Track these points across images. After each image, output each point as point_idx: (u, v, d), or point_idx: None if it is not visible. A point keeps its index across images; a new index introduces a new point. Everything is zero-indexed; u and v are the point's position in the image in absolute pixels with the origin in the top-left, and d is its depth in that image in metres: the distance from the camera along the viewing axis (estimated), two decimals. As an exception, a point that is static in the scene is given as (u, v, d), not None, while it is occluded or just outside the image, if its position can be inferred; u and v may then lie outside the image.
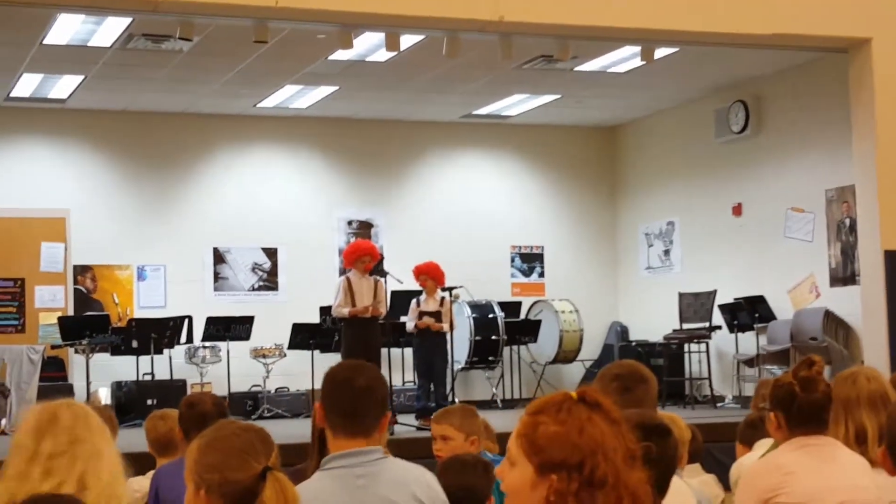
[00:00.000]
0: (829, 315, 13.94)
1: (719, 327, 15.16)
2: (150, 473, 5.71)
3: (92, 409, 3.62)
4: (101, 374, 14.55)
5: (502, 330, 15.87)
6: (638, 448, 2.52)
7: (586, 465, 2.45)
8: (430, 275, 12.93)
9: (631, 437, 2.53)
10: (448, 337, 13.00)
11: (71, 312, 15.26)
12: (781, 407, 4.33)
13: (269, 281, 16.45)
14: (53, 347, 14.60)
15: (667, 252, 17.04)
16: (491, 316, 15.95)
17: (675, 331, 15.51)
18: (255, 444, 3.08)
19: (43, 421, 3.55)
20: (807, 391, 4.28)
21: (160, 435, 6.12)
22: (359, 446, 3.81)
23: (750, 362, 14.78)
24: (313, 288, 15.66)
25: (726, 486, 6.30)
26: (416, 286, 13.14)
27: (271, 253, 16.48)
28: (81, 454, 3.52)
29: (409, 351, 13.35)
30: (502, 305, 16.23)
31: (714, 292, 15.24)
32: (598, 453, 2.45)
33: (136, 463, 5.94)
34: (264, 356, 15.11)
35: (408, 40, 12.16)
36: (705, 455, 10.50)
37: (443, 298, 13.00)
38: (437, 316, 12.80)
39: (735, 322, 14.99)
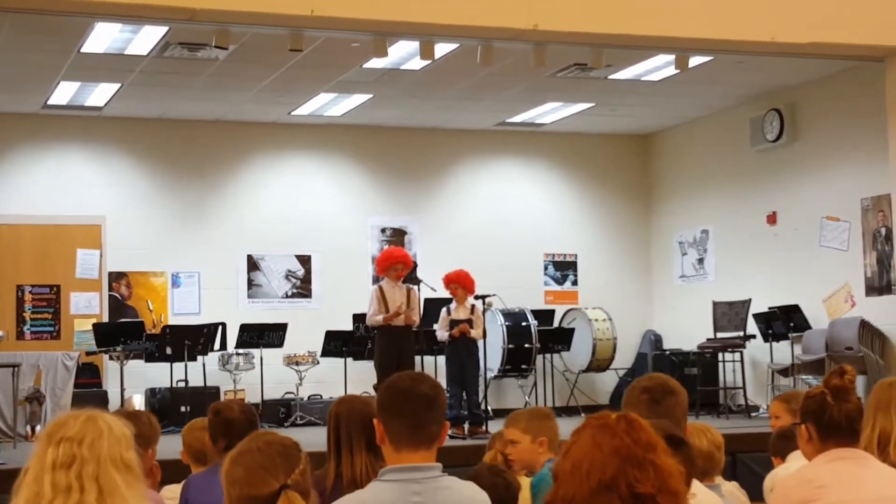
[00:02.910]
0: (864, 325, 13.85)
1: (754, 336, 15.08)
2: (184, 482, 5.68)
3: (120, 418, 3.46)
4: (136, 380, 14.62)
5: (535, 338, 15.83)
6: (643, 479, 2.69)
7: (557, 481, 2.76)
8: (460, 283, 12.89)
9: (633, 470, 2.69)
10: (480, 344, 12.98)
11: (106, 319, 15.33)
12: (813, 418, 4.27)
13: (303, 288, 16.49)
14: (88, 354, 14.67)
15: (701, 260, 16.98)
16: (524, 324, 15.92)
17: (709, 340, 15.45)
18: (276, 461, 3.09)
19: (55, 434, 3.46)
20: (839, 401, 4.24)
21: (197, 448, 5.94)
22: (421, 460, 3.71)
23: (784, 372, 14.70)
24: (347, 295, 15.70)
25: (760, 495, 6.27)
26: (449, 294, 13.13)
27: (305, 260, 16.52)
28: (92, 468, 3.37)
29: (442, 359, 13.32)
30: (535, 313, 16.19)
31: (748, 301, 15.18)
32: (570, 473, 2.72)
33: (170, 470, 5.98)
34: (297, 363, 15.14)
35: (442, 48, 12.18)
36: (740, 465, 10.52)
37: (473, 306, 12.97)
38: (468, 324, 12.79)
39: (770, 331, 14.91)
